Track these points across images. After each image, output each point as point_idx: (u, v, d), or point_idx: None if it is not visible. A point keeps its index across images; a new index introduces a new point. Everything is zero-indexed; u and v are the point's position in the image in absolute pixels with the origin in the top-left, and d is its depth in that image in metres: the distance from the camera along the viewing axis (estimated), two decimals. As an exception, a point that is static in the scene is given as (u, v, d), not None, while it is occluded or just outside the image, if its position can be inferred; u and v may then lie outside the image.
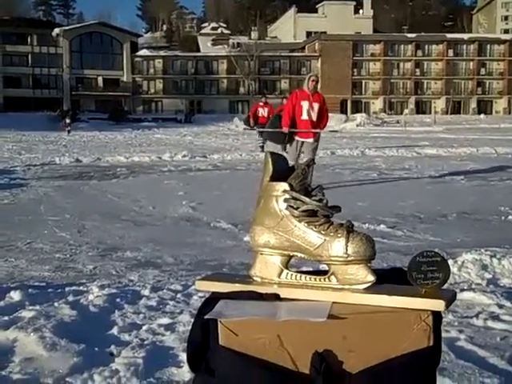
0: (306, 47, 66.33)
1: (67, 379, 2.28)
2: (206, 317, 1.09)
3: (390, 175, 10.73)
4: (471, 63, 65.44)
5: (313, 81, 8.51)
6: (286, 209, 1.15)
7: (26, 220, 6.29)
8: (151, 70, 63.20)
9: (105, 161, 14.05)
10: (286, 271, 1.17)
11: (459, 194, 8.44)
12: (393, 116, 57.80)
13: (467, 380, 2.30)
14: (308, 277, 1.16)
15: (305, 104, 8.41)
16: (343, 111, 57.85)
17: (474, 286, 3.55)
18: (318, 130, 8.56)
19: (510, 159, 14.11)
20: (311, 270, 1.24)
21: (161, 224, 6.10)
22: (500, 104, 65.27)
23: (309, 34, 69.78)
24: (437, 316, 1.08)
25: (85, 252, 4.77)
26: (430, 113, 57.92)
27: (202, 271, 3.82)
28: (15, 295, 3.21)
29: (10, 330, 2.68)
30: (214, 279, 1.23)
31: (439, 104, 63.96)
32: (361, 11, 73.83)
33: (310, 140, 8.45)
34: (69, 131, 31.69)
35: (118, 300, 3.19)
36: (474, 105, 64.90)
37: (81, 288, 3.44)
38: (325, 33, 64.82)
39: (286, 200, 1.15)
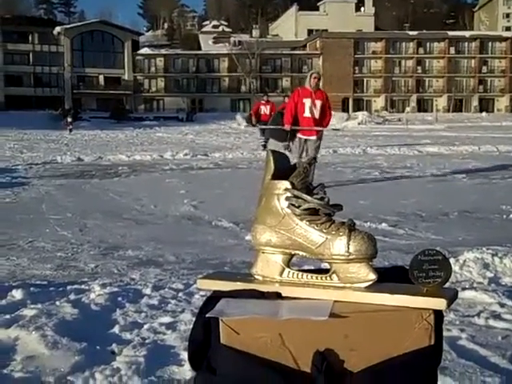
0: (308, 45, 66.28)
1: (68, 378, 2.28)
2: (207, 315, 1.09)
3: (391, 173, 10.73)
4: (473, 61, 65.32)
5: (315, 78, 8.47)
6: (288, 207, 1.15)
7: (28, 219, 6.30)
8: (152, 69, 63.18)
9: (106, 159, 14.05)
10: (287, 270, 1.17)
11: (461, 192, 8.43)
12: (394, 114, 57.76)
13: (468, 379, 2.30)
14: (309, 275, 1.16)
15: (307, 101, 8.36)
16: (345, 109, 57.83)
17: (475, 285, 3.55)
18: (320, 128, 8.52)
19: (512, 157, 14.10)
20: (313, 268, 1.24)
21: (162, 223, 6.11)
22: (502, 102, 65.16)
23: (310, 31, 69.73)
24: (438, 315, 1.07)
25: (86, 251, 4.77)
26: (432, 111, 57.88)
27: (204, 270, 3.83)
28: (17, 294, 3.21)
29: (12, 329, 2.68)
30: (215, 278, 1.23)
31: (441, 102, 63.88)
32: (362, 9, 73.74)
33: (313, 138, 8.42)
34: (70, 130, 31.72)
35: (119, 299, 3.19)
36: (475, 103, 64.81)
37: (82, 287, 3.44)
38: (326, 31, 64.75)
39: (287, 198, 1.15)
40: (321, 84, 8.68)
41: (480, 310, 3.11)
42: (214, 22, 78.53)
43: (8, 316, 2.86)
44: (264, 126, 13.35)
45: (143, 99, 62.40)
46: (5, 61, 59.74)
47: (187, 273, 4.00)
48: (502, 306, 3.15)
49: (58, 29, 61.82)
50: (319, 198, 1.14)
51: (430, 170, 11.22)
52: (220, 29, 74.44)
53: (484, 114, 58.52)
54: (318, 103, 8.39)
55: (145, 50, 64.66)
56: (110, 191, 8.49)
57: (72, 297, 3.19)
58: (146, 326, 2.82)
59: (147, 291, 3.36)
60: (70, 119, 33.95)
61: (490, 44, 65.84)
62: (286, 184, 1.15)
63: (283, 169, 1.18)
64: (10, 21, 61.10)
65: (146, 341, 2.64)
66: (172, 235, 5.44)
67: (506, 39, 65.68)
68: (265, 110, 16.54)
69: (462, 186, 9.06)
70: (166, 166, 12.15)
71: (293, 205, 1.14)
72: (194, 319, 1.18)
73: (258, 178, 1.26)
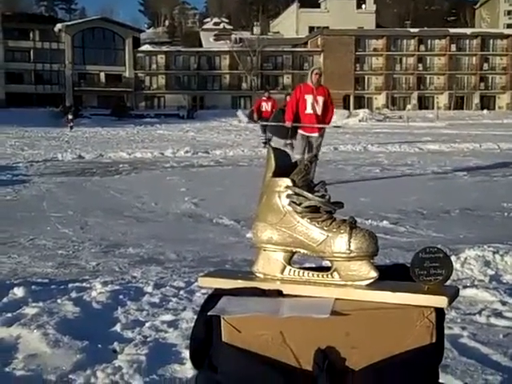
0: (309, 42, 66.19)
1: (70, 376, 2.29)
2: (208, 313, 1.09)
3: (392, 171, 10.72)
4: (474, 58, 65.22)
5: (316, 74, 8.42)
6: (289, 205, 1.15)
7: (29, 216, 6.30)
8: (153, 66, 63.15)
9: (107, 157, 14.05)
10: (288, 267, 1.17)
11: (462, 189, 8.43)
12: (395, 111, 57.71)
13: (470, 377, 2.30)
14: (311, 273, 1.16)
15: (309, 98, 8.33)
16: (346, 107, 57.75)
17: (476, 283, 3.55)
18: (323, 126, 8.49)
19: (513, 155, 14.08)
20: (314, 266, 1.24)
21: (163, 220, 6.11)
22: (503, 99, 65.07)
23: (311, 29, 69.62)
24: (440, 313, 1.07)
25: (87, 248, 4.77)
26: (433, 108, 57.83)
27: (205, 268, 3.83)
28: (18, 292, 3.21)
29: (14, 327, 2.68)
30: (216, 276, 1.23)
31: (442, 99, 63.80)
32: (363, 6, 73.58)
33: (315, 135, 8.39)
34: (71, 127, 31.70)
35: (120, 297, 3.19)
36: (476, 100, 64.73)
37: (84, 285, 3.44)
38: (327, 28, 64.67)
39: (288, 196, 1.15)
40: (322, 80, 8.64)
41: (481, 307, 3.11)
42: (215, 20, 78.39)
43: (9, 314, 2.86)
44: (265, 123, 13.33)
45: (144, 96, 62.38)
46: (6, 58, 59.68)
47: (188, 271, 4.00)
48: (504, 303, 3.15)
49: (58, 26, 61.79)
50: (320, 196, 1.14)
51: (430, 167, 11.21)
52: (221, 26, 74.33)
53: (485, 111, 58.44)
54: (320, 99, 8.35)
55: (146, 47, 64.62)
56: (111, 189, 8.49)
57: (73, 295, 3.19)
58: (147, 324, 2.82)
59: (148, 289, 3.36)
60: (70, 116, 33.89)
61: (491, 41, 65.72)
62: (287, 181, 1.15)
63: (284, 166, 1.18)
64: (11, 18, 61.06)
65: (148, 339, 2.64)
66: (173, 233, 5.44)
67: (507, 36, 65.55)
68: (266, 106, 16.54)
69: (463, 184, 9.05)
70: (166, 164, 12.14)
71: (294, 202, 1.14)
72: (195, 317, 1.18)
73: (258, 176, 1.26)
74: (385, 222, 5.64)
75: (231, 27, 74.61)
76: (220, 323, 1.08)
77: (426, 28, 66.94)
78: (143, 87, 62.71)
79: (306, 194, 1.13)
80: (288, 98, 13.45)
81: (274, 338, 1.07)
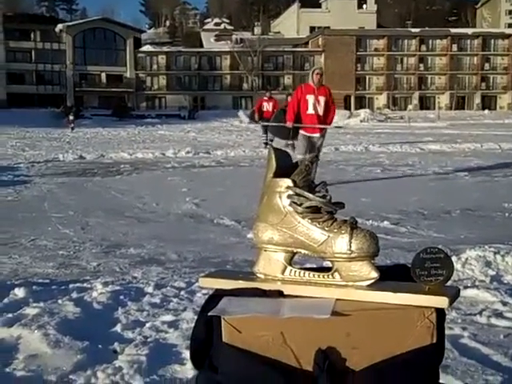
0: (310, 42, 66.19)
1: (70, 376, 2.29)
2: (209, 314, 1.08)
3: (393, 171, 10.71)
4: (475, 58, 65.20)
5: (317, 74, 8.40)
6: (290, 205, 1.15)
7: (30, 217, 6.30)
8: (154, 66, 63.18)
9: (108, 157, 14.06)
10: (289, 268, 1.17)
11: (463, 190, 8.42)
12: (396, 112, 57.67)
13: (470, 377, 2.29)
14: (312, 273, 1.16)
15: (310, 98, 8.31)
16: (347, 107, 57.73)
17: (477, 283, 3.54)
18: (324, 126, 8.48)
19: (514, 155, 14.07)
20: (315, 266, 1.24)
21: (164, 221, 6.11)
22: (504, 99, 65.04)
23: (312, 29, 69.62)
24: (440, 313, 1.07)
25: (88, 249, 4.77)
26: (434, 108, 57.80)
27: (206, 268, 3.83)
28: (19, 292, 3.22)
29: (14, 327, 2.68)
30: (217, 276, 1.23)
31: (443, 99, 63.79)
32: (364, 6, 73.61)
33: (317, 135, 8.38)
34: (72, 128, 31.70)
35: (121, 297, 3.19)
36: (478, 100, 64.71)
37: (84, 285, 3.44)
38: (328, 28, 64.66)
39: (289, 196, 1.15)
40: (323, 80, 8.62)
41: (482, 308, 3.10)
42: (216, 20, 78.43)
43: (10, 314, 2.86)
44: (266, 123, 13.32)
45: (145, 97, 62.41)
46: (7, 58, 59.71)
47: (189, 271, 4.00)
48: (504, 304, 3.15)
49: (60, 26, 61.83)
50: (321, 196, 1.14)
51: (432, 167, 11.20)
52: (222, 26, 74.38)
53: (486, 111, 58.39)
54: (322, 99, 8.33)
55: (147, 48, 64.65)
56: (112, 189, 8.49)
57: (74, 295, 3.19)
58: (148, 325, 2.82)
59: (149, 289, 3.36)
60: (71, 117, 33.89)
61: (492, 41, 65.70)
62: (287, 182, 1.15)
63: (285, 167, 1.18)
64: (12, 18, 61.11)
65: (148, 339, 2.64)
66: (174, 233, 5.44)
67: (508, 36, 65.53)
68: (267, 106, 16.54)
69: (464, 184, 9.04)
70: (167, 164, 12.15)
71: (295, 203, 1.14)
72: (196, 318, 1.18)
73: (259, 176, 1.26)
74: (386, 223, 5.64)
75: (232, 27, 74.66)
76: (220, 324, 1.08)
77: (427, 28, 66.94)
78: (144, 87, 62.74)
79: (306, 194, 1.13)
80: (289, 98, 13.45)
81: (274, 338, 1.07)
